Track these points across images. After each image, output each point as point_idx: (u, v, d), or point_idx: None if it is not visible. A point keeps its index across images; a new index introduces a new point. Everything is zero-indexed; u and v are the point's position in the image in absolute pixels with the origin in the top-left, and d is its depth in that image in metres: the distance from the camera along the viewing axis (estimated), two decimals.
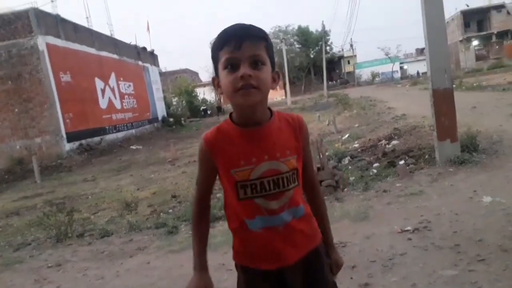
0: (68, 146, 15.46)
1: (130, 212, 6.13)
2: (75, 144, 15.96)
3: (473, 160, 5.26)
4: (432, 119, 5.55)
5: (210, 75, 50.34)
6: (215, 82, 1.30)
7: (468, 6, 47.49)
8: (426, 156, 5.87)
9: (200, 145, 1.33)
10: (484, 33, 48.90)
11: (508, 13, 48.18)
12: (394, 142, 7.65)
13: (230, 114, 1.31)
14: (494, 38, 48.52)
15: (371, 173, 5.69)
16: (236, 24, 1.25)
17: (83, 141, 16.49)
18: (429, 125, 7.87)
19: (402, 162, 5.89)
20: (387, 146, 7.47)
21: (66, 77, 16.23)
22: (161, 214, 5.82)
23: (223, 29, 1.25)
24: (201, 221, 1.43)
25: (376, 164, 6.17)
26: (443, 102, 5.40)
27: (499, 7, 48.99)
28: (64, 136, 15.41)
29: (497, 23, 48.56)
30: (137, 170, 11.03)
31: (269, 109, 1.32)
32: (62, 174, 12.78)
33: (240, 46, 1.18)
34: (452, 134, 5.38)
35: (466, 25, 48.40)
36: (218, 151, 1.29)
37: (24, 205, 8.42)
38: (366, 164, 6.34)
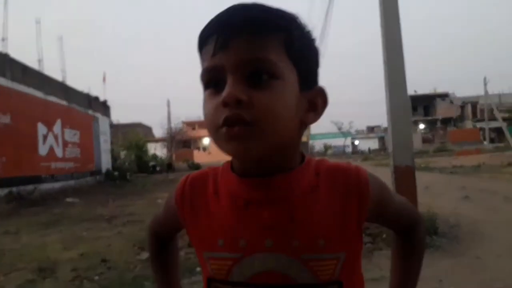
0: None
1: (48, 276, 5.36)
2: (4, 191, 14.70)
3: (434, 244, 5.07)
4: None
5: (164, 131, 50.35)
6: None
7: (416, 92, 51.58)
8: (384, 236, 5.59)
9: (171, 192, 0.84)
10: (430, 118, 52.89)
11: (451, 102, 52.66)
12: None
13: (230, 161, 0.78)
14: (439, 124, 52.62)
15: None
16: (233, 5, 0.69)
17: (14, 189, 15.23)
18: None
19: None
20: None
21: (4, 119, 15.25)
22: (84, 281, 5.09)
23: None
24: (161, 252, 0.95)
25: None
26: (404, 180, 5.26)
27: (444, 96, 53.75)
28: None
29: (441, 110, 53.15)
30: (68, 226, 10.06)
31: (301, 153, 0.75)
32: None
33: (226, 44, 0.65)
34: None
35: (414, 109, 52.29)
36: (190, 212, 0.77)
37: None
38: None
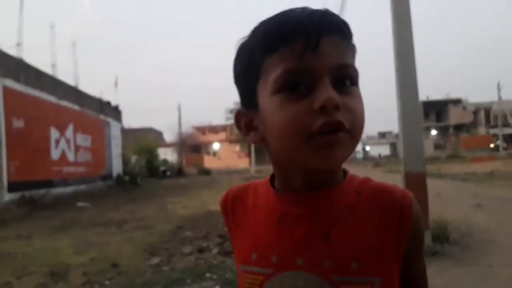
0: (8, 197, 14.28)
1: (59, 280, 5.39)
2: (17, 195, 14.79)
3: (445, 252, 5.02)
4: None
5: (175, 136, 50.51)
6: (243, 121, 0.71)
7: (428, 97, 50.98)
8: None
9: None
10: (442, 124, 52.18)
11: (464, 108, 51.99)
12: None
13: (272, 175, 0.75)
14: (451, 130, 51.85)
15: None
16: (297, 8, 0.65)
17: (27, 193, 15.33)
18: None
19: None
20: None
21: (18, 123, 15.41)
22: (95, 285, 5.11)
23: (269, 18, 0.66)
24: None
25: None
26: (415, 187, 5.17)
27: (456, 102, 53.05)
28: (6, 185, 14.29)
29: (454, 116, 52.43)
30: (79, 231, 10.13)
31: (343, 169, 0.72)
32: None
33: (317, 46, 0.60)
34: (424, 221, 5.06)
35: (426, 115, 51.69)
36: (232, 225, 0.78)
37: None
38: None
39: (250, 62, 0.67)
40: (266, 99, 0.64)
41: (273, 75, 0.62)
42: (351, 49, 0.66)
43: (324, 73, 0.61)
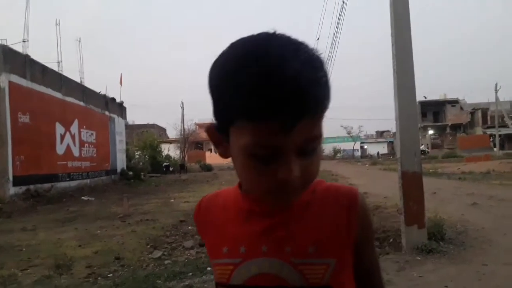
0: (13, 190, 14.41)
1: (64, 273, 5.47)
2: (22, 188, 14.92)
3: (440, 249, 5.08)
4: (400, 202, 5.37)
5: (178, 133, 50.61)
6: (213, 138, 0.76)
7: (425, 97, 50.92)
8: (391, 240, 5.64)
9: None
10: (439, 124, 52.18)
11: (461, 108, 51.86)
12: None
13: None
14: (448, 130, 51.87)
15: None
16: (282, 67, 0.62)
17: (31, 186, 15.47)
18: (392, 207, 7.75)
19: None
20: None
21: (24, 118, 15.52)
22: (99, 278, 5.21)
23: (244, 55, 0.64)
24: None
25: None
26: (412, 186, 5.27)
27: (454, 102, 53.04)
28: (11, 179, 14.40)
29: (451, 116, 52.41)
30: (83, 224, 10.23)
31: None
32: None
33: (291, 129, 0.63)
34: (420, 219, 5.18)
35: (423, 115, 51.66)
36: (204, 227, 0.87)
37: None
38: None
39: (223, 106, 0.68)
40: (235, 149, 0.69)
41: (244, 138, 0.66)
42: (323, 114, 0.67)
43: (291, 149, 0.65)
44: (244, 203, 0.79)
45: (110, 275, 5.33)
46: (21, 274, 5.57)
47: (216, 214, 0.84)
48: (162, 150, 38.71)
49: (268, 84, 0.60)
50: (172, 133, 56.51)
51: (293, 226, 0.76)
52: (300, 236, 0.75)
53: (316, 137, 0.67)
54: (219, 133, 0.73)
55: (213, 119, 0.73)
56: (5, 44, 15.76)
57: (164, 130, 59.81)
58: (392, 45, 5.44)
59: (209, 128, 0.75)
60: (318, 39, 17.31)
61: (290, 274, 0.73)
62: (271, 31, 0.68)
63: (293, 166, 0.64)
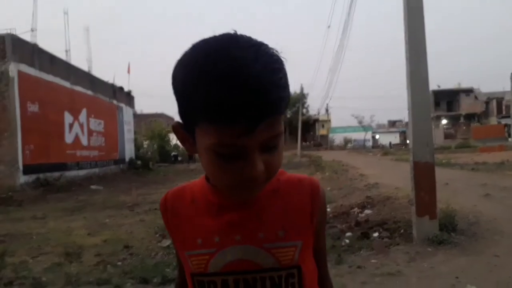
0: (23, 179, 14.57)
1: (73, 260, 5.52)
2: (32, 177, 15.09)
3: (451, 241, 5.01)
4: (411, 192, 5.30)
5: None
6: (179, 135, 0.78)
7: (439, 86, 50.26)
8: (402, 231, 5.58)
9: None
10: (453, 113, 51.53)
11: (476, 97, 51.16)
12: (367, 211, 7.36)
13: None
14: (462, 119, 51.16)
15: (343, 243, 5.32)
16: (241, 66, 0.64)
17: (41, 175, 15.62)
18: (403, 197, 7.68)
19: (376, 234, 5.58)
20: (360, 214, 7.17)
21: (33, 107, 15.63)
22: (108, 266, 5.22)
23: (205, 59, 0.66)
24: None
25: (348, 234, 5.81)
26: (423, 176, 5.19)
27: (468, 91, 52.33)
28: (21, 168, 14.56)
29: (465, 105, 51.66)
30: (92, 213, 10.32)
31: None
32: (10, 208, 11.82)
33: (253, 130, 0.66)
34: (432, 210, 5.11)
35: (437, 104, 51.01)
36: (173, 221, 0.88)
37: None
38: (338, 232, 5.97)
39: (187, 110, 0.71)
40: (201, 147, 0.72)
41: (208, 139, 0.69)
42: (283, 113, 0.71)
43: (255, 147, 0.68)
44: (213, 196, 0.82)
45: (119, 263, 5.36)
46: (32, 262, 5.62)
47: (185, 207, 0.86)
48: (171, 139, 38.86)
49: (229, 89, 0.63)
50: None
51: (264, 213, 0.81)
52: (270, 222, 0.81)
53: (278, 134, 0.70)
54: (184, 131, 0.76)
55: (179, 116, 0.75)
56: (14, 33, 15.73)
57: (172, 119, 59.65)
58: (405, 32, 5.33)
59: (175, 127, 0.78)
60: (329, 27, 17.17)
61: (264, 258, 0.79)
62: (232, 31, 0.70)
63: (257, 163, 0.69)
